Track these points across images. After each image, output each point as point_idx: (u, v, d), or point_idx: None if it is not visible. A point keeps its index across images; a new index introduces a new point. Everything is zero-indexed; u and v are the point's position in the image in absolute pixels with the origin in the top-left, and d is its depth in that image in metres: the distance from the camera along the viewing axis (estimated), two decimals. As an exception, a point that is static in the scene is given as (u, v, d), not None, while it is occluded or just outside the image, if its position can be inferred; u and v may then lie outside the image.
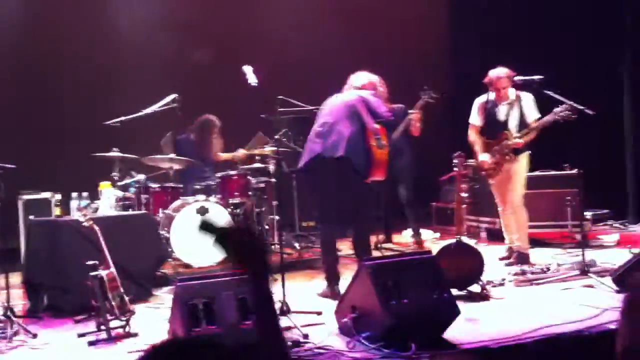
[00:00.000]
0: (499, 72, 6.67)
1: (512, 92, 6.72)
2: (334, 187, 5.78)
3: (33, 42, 8.80)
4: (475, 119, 6.94)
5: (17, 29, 8.80)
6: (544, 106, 6.65)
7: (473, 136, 6.95)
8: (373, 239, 8.08)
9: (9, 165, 5.38)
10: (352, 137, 5.76)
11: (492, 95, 6.80)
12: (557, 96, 6.32)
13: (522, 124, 6.65)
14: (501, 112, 6.77)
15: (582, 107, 6.16)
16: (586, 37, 9.22)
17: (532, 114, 6.66)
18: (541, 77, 6.41)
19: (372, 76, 6.23)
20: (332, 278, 5.78)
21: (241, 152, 7.97)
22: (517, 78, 6.63)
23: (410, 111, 7.81)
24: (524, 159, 6.77)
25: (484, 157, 6.81)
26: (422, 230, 8.52)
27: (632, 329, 2.45)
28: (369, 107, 5.89)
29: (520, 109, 6.68)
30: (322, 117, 5.97)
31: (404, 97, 8.00)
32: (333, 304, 4.88)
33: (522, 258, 6.70)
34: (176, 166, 7.48)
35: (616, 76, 9.31)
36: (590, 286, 5.67)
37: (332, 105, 5.98)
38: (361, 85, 6.09)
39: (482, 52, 9.81)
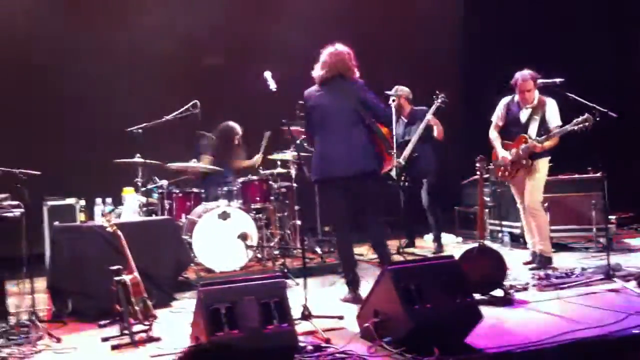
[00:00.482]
0: (524, 75, 6.64)
1: (536, 96, 6.68)
2: (349, 198, 5.75)
3: (56, 52, 8.89)
4: (498, 118, 6.93)
5: (41, 36, 8.89)
6: (565, 108, 6.62)
7: (494, 134, 6.95)
8: (395, 244, 8.10)
9: (34, 172, 5.44)
10: (364, 149, 5.69)
11: (517, 97, 6.78)
12: (578, 98, 6.27)
13: (543, 130, 6.61)
14: (523, 115, 6.75)
15: (605, 110, 6.11)
16: (606, 38, 9.17)
17: (554, 120, 6.61)
18: (562, 79, 6.38)
19: (346, 48, 5.84)
20: (353, 283, 5.79)
21: (258, 158, 7.98)
22: (539, 81, 6.61)
23: (427, 116, 7.82)
24: (543, 164, 6.72)
25: (505, 154, 6.79)
26: (444, 235, 8.50)
27: None
28: (369, 108, 5.76)
29: (543, 114, 6.64)
30: (323, 128, 5.70)
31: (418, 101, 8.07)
32: (355, 309, 4.87)
33: (545, 261, 6.67)
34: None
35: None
36: (615, 290, 5.61)
37: (330, 112, 5.70)
38: (342, 65, 5.76)
39: (495, 56, 9.79)
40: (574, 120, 6.29)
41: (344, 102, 5.71)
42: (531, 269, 6.59)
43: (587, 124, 6.17)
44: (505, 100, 6.92)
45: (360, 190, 5.72)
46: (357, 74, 5.86)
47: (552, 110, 6.64)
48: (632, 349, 4.27)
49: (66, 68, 8.87)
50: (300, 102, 6.26)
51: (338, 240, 6.07)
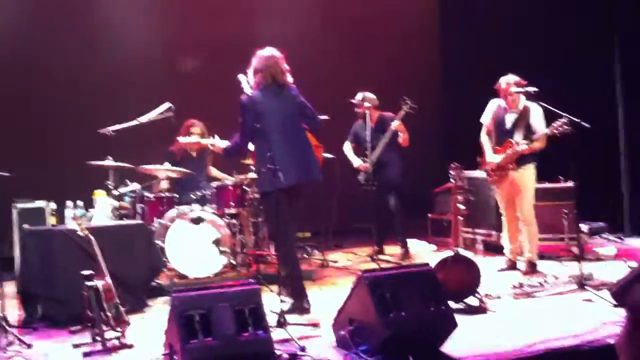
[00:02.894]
0: (507, 79, 6.73)
1: (522, 101, 6.74)
2: (298, 203, 5.75)
3: (27, 50, 8.78)
4: (486, 120, 7.00)
5: (12, 37, 8.77)
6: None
7: (485, 137, 7.02)
8: (368, 250, 8.10)
9: (4, 174, 5.34)
10: (312, 157, 5.75)
11: (502, 102, 6.85)
12: (552, 108, 6.33)
13: (528, 136, 6.67)
14: (508, 119, 6.81)
15: (577, 120, 6.16)
16: (580, 50, 9.27)
17: (539, 126, 6.67)
18: (536, 89, 6.43)
19: (277, 52, 5.76)
20: (301, 292, 5.64)
21: (235, 178, 7.80)
22: (513, 89, 6.66)
23: (394, 122, 7.83)
24: (530, 171, 6.79)
25: (493, 158, 6.85)
26: (418, 242, 8.52)
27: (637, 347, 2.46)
28: (305, 114, 5.76)
29: (528, 120, 6.71)
30: (272, 136, 5.47)
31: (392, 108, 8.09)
32: (330, 317, 4.84)
33: (533, 267, 6.79)
34: (171, 175, 7.44)
35: (610, 88, 9.35)
36: (588, 300, 5.65)
37: (279, 118, 5.56)
38: (275, 69, 5.65)
39: (472, 64, 9.84)
40: (552, 124, 6.34)
41: (289, 108, 5.66)
42: (524, 274, 6.67)
43: (565, 127, 6.20)
44: (493, 103, 6.98)
45: (300, 198, 5.73)
46: (291, 79, 5.77)
47: (537, 116, 6.69)
48: (606, 359, 4.29)
49: (35, 69, 8.76)
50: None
51: (288, 250, 5.73)
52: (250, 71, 5.72)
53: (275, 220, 5.61)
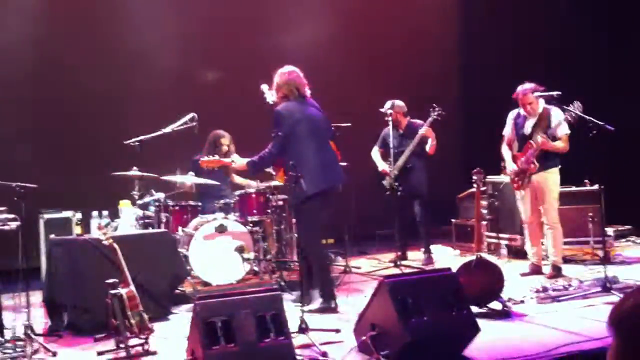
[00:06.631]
0: (525, 89, 6.70)
1: (540, 105, 6.72)
2: (332, 208, 5.96)
3: (52, 63, 8.89)
4: (507, 131, 7.00)
5: (37, 51, 8.89)
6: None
7: (504, 148, 7.02)
8: (391, 256, 8.08)
9: (31, 185, 5.42)
10: (337, 158, 6.07)
11: (522, 110, 6.83)
12: (576, 112, 6.28)
13: (549, 138, 6.65)
14: (528, 126, 6.79)
15: (602, 123, 6.11)
16: (602, 55, 9.22)
17: (561, 129, 6.66)
18: (559, 92, 6.40)
19: (294, 67, 5.95)
20: (332, 294, 5.88)
21: (254, 184, 7.83)
22: (535, 94, 6.63)
23: (422, 129, 7.83)
24: (554, 174, 6.77)
25: (513, 167, 6.85)
26: (442, 248, 8.48)
27: None
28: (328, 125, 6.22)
29: (548, 123, 6.68)
30: (312, 141, 5.77)
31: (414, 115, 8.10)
32: (352, 322, 4.84)
33: (558, 271, 6.78)
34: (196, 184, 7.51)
35: (637, 90, 9.27)
36: (613, 303, 5.58)
37: (316, 124, 5.84)
38: (296, 82, 5.85)
39: (494, 70, 9.81)
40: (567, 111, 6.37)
41: (319, 117, 5.92)
42: (548, 278, 6.64)
43: (578, 112, 6.19)
44: (512, 113, 6.98)
45: (332, 201, 5.96)
46: (309, 92, 5.94)
47: (557, 119, 6.66)
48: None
49: (61, 81, 8.87)
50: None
51: (322, 252, 6.06)
52: (274, 88, 5.88)
53: (313, 222, 5.83)
